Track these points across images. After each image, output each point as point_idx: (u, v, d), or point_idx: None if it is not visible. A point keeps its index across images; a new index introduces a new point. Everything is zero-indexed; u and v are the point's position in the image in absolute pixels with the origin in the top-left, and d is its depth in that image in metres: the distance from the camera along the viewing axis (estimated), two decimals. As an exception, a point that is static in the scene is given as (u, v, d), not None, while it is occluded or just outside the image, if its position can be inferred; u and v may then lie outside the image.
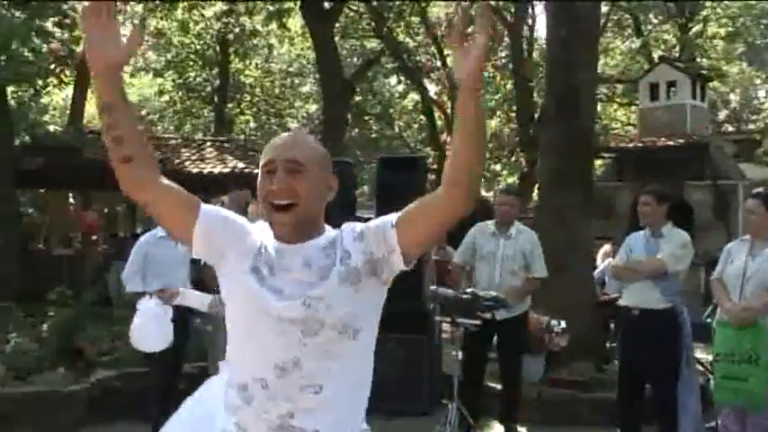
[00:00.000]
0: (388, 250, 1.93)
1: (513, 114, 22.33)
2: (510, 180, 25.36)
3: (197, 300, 4.72)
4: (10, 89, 13.72)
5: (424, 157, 7.32)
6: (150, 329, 4.82)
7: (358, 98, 24.06)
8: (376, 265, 1.95)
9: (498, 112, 24.55)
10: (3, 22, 11.86)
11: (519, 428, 5.71)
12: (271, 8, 15.03)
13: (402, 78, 24.71)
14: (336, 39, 16.40)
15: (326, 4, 13.82)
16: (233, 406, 2.00)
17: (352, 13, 20.52)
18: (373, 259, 1.94)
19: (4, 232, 11.83)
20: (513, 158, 24.78)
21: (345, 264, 1.94)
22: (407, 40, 22.92)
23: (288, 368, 1.93)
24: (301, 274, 1.94)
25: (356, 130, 25.20)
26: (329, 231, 2.01)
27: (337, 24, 19.02)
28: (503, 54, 22.65)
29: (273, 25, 16.44)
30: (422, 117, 24.96)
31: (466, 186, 1.88)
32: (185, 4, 15.60)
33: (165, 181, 1.92)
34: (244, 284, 1.94)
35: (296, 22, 17.53)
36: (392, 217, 1.95)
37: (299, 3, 13.89)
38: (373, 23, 20.94)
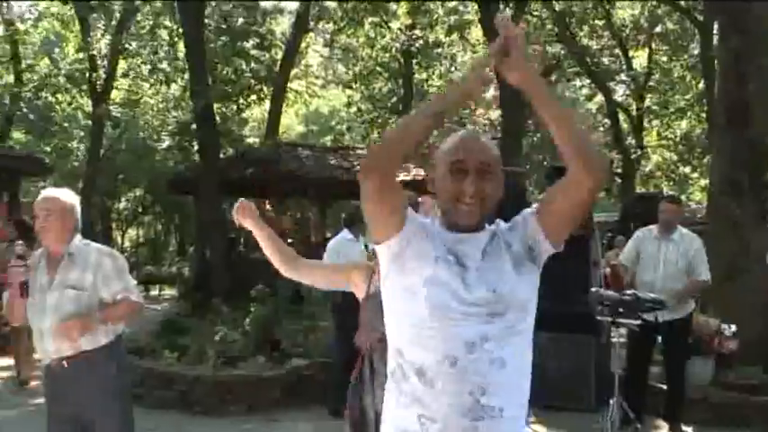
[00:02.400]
0: (536, 237, 2.10)
1: (704, 115, 21.38)
2: (702, 183, 24.29)
3: None
4: (216, 106, 15.18)
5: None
6: None
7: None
8: (530, 251, 2.12)
9: (689, 113, 23.60)
10: (210, 46, 13.17)
11: (684, 428, 5.80)
12: (452, 21, 15.50)
13: (586, 81, 24.36)
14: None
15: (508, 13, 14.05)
16: (413, 396, 2.07)
17: (534, 19, 20.59)
18: (527, 246, 2.12)
19: (211, 237, 13.11)
20: (705, 160, 23.69)
21: (510, 251, 2.12)
22: (591, 42, 22.62)
23: (477, 343, 2.03)
24: (481, 262, 2.09)
25: (538, 134, 25.13)
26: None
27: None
28: (695, 52, 21.77)
29: (456, 36, 16.90)
30: (606, 120, 24.48)
31: (582, 160, 1.98)
32: (371, 20, 16.42)
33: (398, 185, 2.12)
34: (430, 273, 2.07)
35: (476, 33, 17.90)
36: (534, 207, 2.14)
37: (478, 15, 14.23)
38: (556, 28, 20.93)
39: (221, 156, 13.83)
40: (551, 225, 2.11)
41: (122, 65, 21.49)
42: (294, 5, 16.51)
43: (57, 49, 22.77)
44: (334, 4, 15.24)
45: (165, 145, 19.28)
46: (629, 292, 5.29)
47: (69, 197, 3.52)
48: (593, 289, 5.69)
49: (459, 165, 2.07)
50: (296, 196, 15.78)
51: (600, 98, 24.11)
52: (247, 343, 7.78)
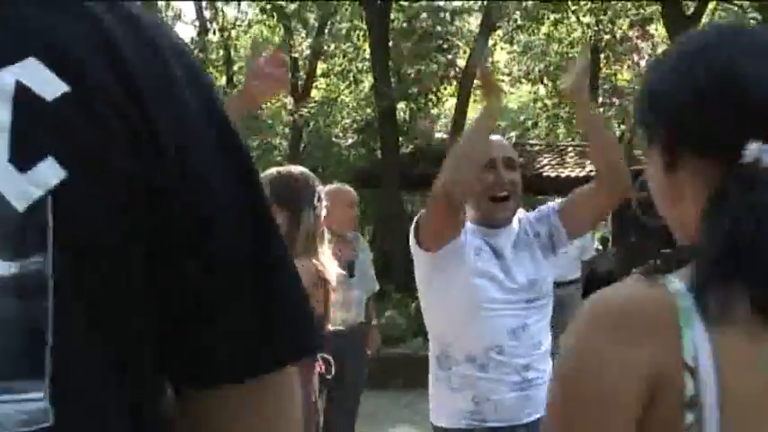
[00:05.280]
0: (557, 230, 2.37)
1: None
2: None
3: None
4: (400, 105, 16.04)
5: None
6: None
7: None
8: (551, 239, 2.39)
9: None
10: (396, 50, 14.01)
11: None
12: (633, 16, 15.32)
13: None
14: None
15: (690, 6, 13.74)
16: (467, 381, 2.27)
17: (735, 8, 19.63)
18: (550, 235, 2.38)
19: (391, 228, 13.95)
20: None
21: (539, 241, 2.39)
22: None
23: (518, 332, 2.23)
24: (514, 252, 2.34)
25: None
26: None
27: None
28: None
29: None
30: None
31: (608, 179, 2.22)
32: (552, 17, 16.55)
33: None
34: (473, 266, 2.30)
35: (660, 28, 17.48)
36: (555, 204, 2.44)
37: (659, 8, 14.01)
38: (758, 16, 19.79)
39: (402, 152, 14.60)
40: (571, 225, 2.40)
41: (321, 66, 23.01)
42: (483, 3, 16.97)
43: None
44: (514, 3, 15.56)
45: (349, 142, 20.49)
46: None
47: None
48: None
49: (490, 161, 2.34)
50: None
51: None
52: (409, 326, 8.44)
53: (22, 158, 0.52)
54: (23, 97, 0.53)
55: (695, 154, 0.91)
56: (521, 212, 2.53)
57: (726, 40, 0.94)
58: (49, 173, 0.53)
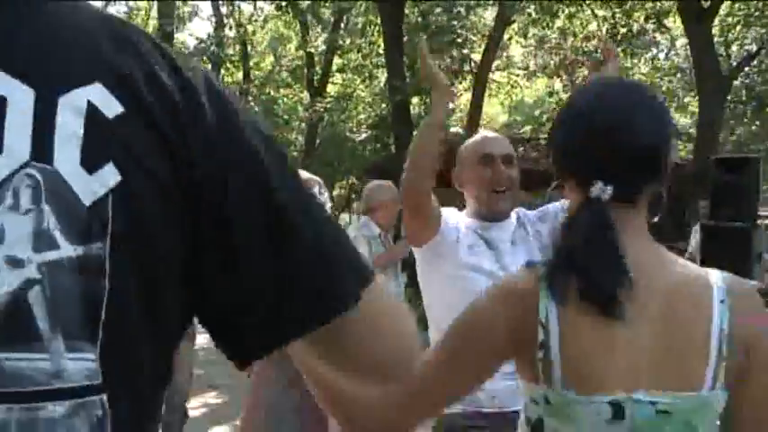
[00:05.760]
0: None
1: None
2: None
3: None
4: (414, 100, 16.07)
5: (756, 158, 7.35)
6: None
7: (761, 89, 22.65)
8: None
9: None
10: (411, 45, 14.04)
11: None
12: (649, 9, 15.24)
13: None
14: (716, 32, 15.87)
15: (705, 2, 13.65)
16: None
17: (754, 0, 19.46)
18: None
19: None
20: None
21: (539, 240, 2.41)
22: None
23: None
24: (512, 247, 2.38)
25: (757, 122, 23.65)
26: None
27: (731, 16, 18.31)
28: None
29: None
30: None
31: None
32: (567, 11, 16.49)
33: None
34: (466, 260, 2.33)
35: (677, 22, 17.38)
36: (563, 203, 2.38)
37: (676, 1, 13.92)
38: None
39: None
40: None
41: (337, 61, 23.11)
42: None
43: (279, 48, 24.83)
44: (529, -3, 15.54)
45: (362, 137, 20.55)
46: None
47: None
48: (753, 283, 5.78)
49: (488, 156, 2.40)
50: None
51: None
52: (419, 319, 8.52)
53: (90, 163, 0.66)
54: (92, 114, 0.67)
55: (570, 186, 1.35)
56: (521, 210, 2.56)
57: (591, 104, 1.31)
58: (110, 176, 0.66)
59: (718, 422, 1.25)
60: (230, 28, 22.97)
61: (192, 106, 0.73)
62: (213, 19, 23.85)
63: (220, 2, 23.23)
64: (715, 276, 1.28)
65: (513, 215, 2.52)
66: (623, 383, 1.21)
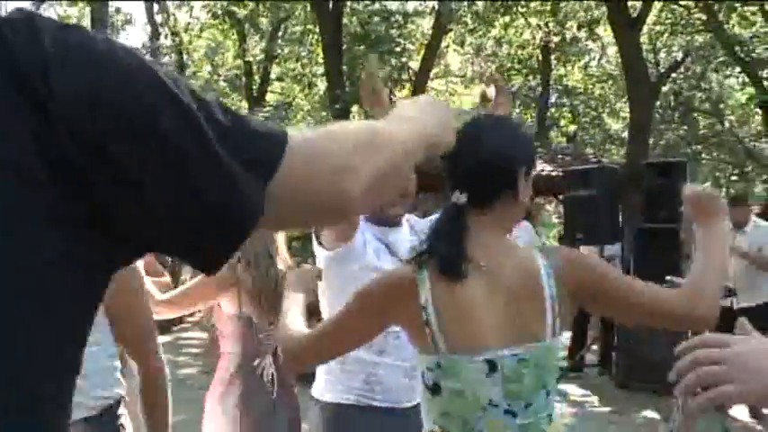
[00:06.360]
0: None
1: None
2: None
3: None
4: (354, 108, 16.18)
5: (684, 162, 7.69)
6: None
7: (688, 94, 23.48)
8: None
9: None
10: (349, 54, 14.18)
11: (765, 411, 6.16)
12: (581, 18, 15.69)
13: (735, 72, 23.45)
14: (645, 40, 16.40)
15: (636, 8, 14.09)
16: (362, 364, 2.42)
17: (681, 9, 20.18)
18: None
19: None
20: None
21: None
22: (742, 31, 21.79)
23: None
24: (407, 251, 2.34)
25: (684, 127, 24.48)
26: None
27: (658, 25, 18.93)
28: None
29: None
30: (757, 111, 23.47)
31: None
32: (502, 20, 16.86)
33: None
34: (369, 262, 2.40)
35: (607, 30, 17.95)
36: None
37: (606, 12, 14.35)
38: (703, 17, 20.38)
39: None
40: None
41: (276, 69, 23.06)
42: (434, 5, 17.18)
43: (216, 57, 24.67)
44: (464, 5, 15.81)
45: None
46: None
47: None
48: (668, 278, 6.02)
49: None
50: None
51: (751, 89, 23.11)
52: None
53: None
54: None
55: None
56: (411, 217, 2.65)
57: (459, 134, 1.43)
58: None
59: (564, 356, 1.80)
60: (166, 36, 22.72)
61: (51, 78, 0.68)
62: (148, 27, 23.56)
63: (155, 9, 22.94)
64: (539, 256, 1.68)
65: (405, 221, 2.59)
66: (492, 343, 1.60)
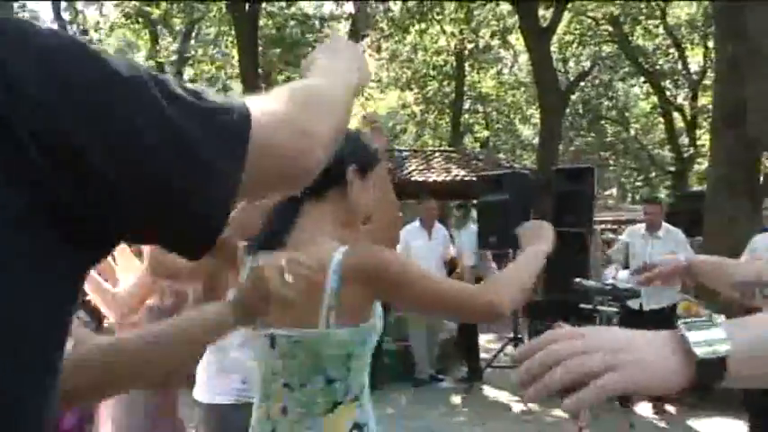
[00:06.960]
0: None
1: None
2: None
3: None
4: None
5: (592, 168, 7.98)
6: None
7: (596, 102, 24.30)
8: None
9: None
10: (266, 57, 14.06)
11: (668, 408, 6.50)
12: (494, 26, 16.05)
13: (639, 81, 24.42)
14: (555, 49, 16.89)
15: (545, 17, 14.49)
16: (239, 364, 2.61)
17: (588, 20, 20.89)
18: None
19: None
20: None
21: None
22: (646, 43, 22.72)
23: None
24: None
25: (592, 134, 25.32)
26: None
27: (568, 35, 19.51)
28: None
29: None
30: (660, 120, 24.51)
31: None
32: (418, 27, 17.06)
33: None
34: None
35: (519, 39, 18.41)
36: None
37: (517, 21, 14.72)
38: (610, 28, 21.17)
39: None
40: None
41: (189, 71, 22.68)
42: (350, 11, 17.24)
43: (128, 57, 24.08)
44: (380, 11, 15.94)
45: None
46: (608, 281, 5.87)
47: None
48: (577, 279, 6.23)
49: None
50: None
51: (654, 98, 24.12)
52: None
53: None
54: None
55: None
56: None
57: None
58: None
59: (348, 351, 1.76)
60: (74, 35, 22.04)
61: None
62: (55, 25, 22.79)
63: (62, 7, 22.24)
64: (340, 252, 1.74)
65: None
66: (273, 321, 1.74)
